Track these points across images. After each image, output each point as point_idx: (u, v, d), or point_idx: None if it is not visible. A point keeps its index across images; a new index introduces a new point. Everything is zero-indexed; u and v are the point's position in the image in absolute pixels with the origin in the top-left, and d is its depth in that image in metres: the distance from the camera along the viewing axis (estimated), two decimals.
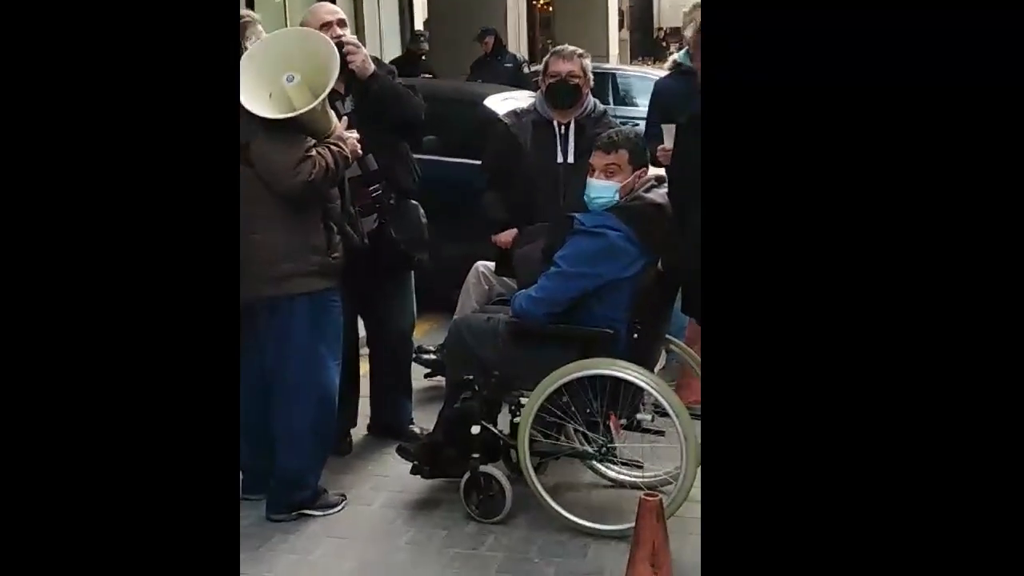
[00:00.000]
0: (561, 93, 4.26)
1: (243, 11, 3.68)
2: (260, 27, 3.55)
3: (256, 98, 3.31)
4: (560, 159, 4.28)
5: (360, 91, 3.92)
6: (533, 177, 4.25)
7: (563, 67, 4.26)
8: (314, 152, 3.39)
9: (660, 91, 5.56)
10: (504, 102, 6.52)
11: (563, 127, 4.29)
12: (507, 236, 4.27)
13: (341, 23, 3.95)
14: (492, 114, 6.29)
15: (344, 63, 3.73)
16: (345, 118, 3.67)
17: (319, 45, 3.44)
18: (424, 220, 4.18)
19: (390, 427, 4.38)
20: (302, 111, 3.34)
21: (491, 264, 4.36)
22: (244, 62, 3.34)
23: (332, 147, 3.45)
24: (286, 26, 11.05)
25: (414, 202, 4.17)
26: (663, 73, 7.37)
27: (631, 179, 3.53)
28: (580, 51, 4.40)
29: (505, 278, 4.28)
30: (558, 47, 4.47)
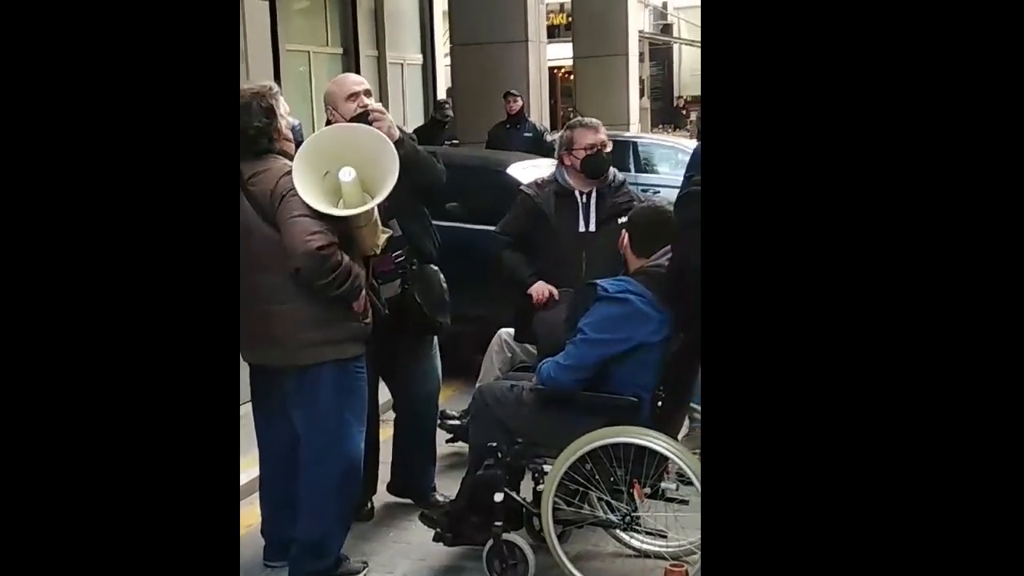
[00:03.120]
0: (598, 164, 4.34)
1: (267, 82, 3.72)
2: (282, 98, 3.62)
3: (308, 182, 3.30)
4: (582, 228, 4.34)
5: None
6: (557, 246, 4.30)
7: (594, 138, 4.34)
8: (336, 248, 3.32)
9: (699, 158, 5.63)
10: (527, 170, 6.58)
11: (584, 196, 4.35)
12: (542, 289, 4.28)
13: (367, 93, 4.00)
14: (515, 182, 6.35)
15: None
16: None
17: (386, 152, 3.42)
18: (444, 284, 4.21)
19: (412, 490, 4.37)
20: (349, 213, 3.33)
21: (513, 331, 4.37)
22: (307, 144, 3.37)
23: (359, 271, 3.43)
24: (311, 95, 11.28)
25: (434, 267, 4.20)
26: (684, 141, 7.45)
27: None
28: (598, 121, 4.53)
29: (527, 345, 4.29)
30: (583, 119, 4.53)
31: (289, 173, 3.30)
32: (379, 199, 3.37)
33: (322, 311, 3.40)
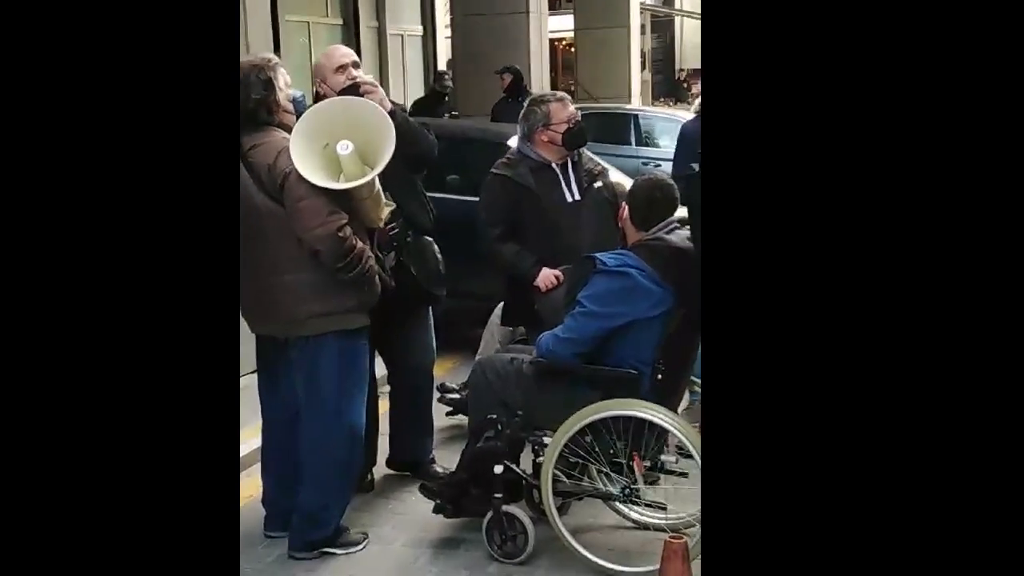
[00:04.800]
0: (580, 136, 4.31)
1: (267, 54, 3.71)
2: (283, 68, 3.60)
3: (307, 157, 3.30)
4: (569, 198, 4.28)
5: None
6: (548, 219, 4.23)
7: (570, 112, 4.29)
8: (350, 230, 3.36)
9: (686, 133, 5.62)
10: None
11: (560, 167, 4.31)
12: (548, 276, 4.20)
13: (355, 64, 3.99)
14: None
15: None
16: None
17: (382, 123, 3.42)
18: (439, 256, 4.20)
19: (410, 463, 4.38)
20: (350, 185, 3.33)
21: None
22: (297, 130, 3.36)
23: (370, 253, 3.45)
24: (311, 66, 11.21)
25: (429, 238, 4.19)
26: (685, 114, 7.45)
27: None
28: None
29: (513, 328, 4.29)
30: (555, 93, 4.47)
31: (288, 149, 3.30)
32: (378, 170, 3.37)
33: (325, 282, 3.41)
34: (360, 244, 3.39)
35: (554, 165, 4.30)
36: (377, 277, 3.53)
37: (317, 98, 4.01)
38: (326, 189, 3.31)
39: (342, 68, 3.94)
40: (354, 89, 3.84)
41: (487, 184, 4.39)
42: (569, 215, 4.24)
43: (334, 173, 3.37)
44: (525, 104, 4.44)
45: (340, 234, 3.32)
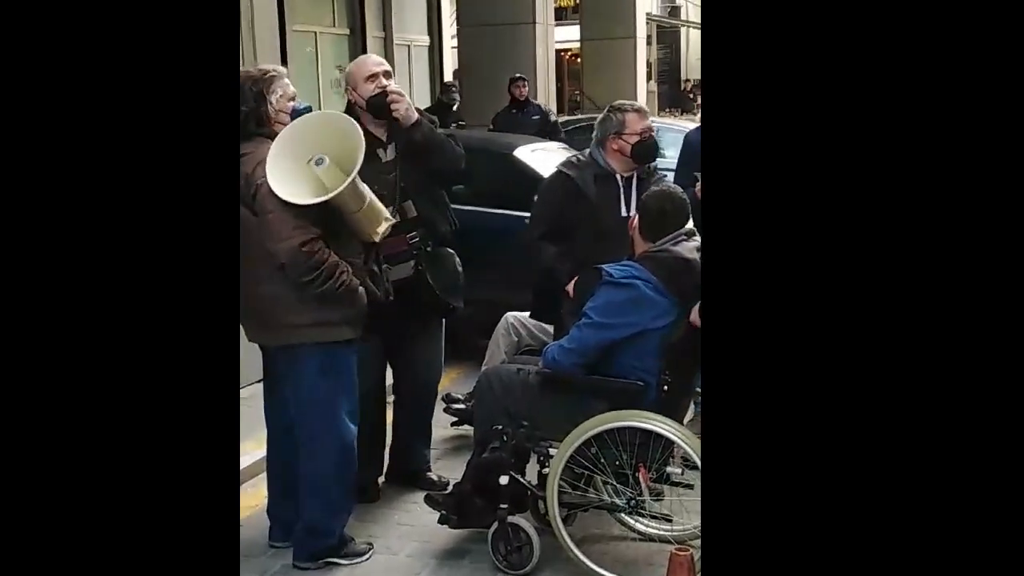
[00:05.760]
0: (650, 150, 4.25)
1: (269, 65, 3.71)
2: (287, 80, 3.58)
3: (287, 172, 3.29)
4: (624, 212, 4.22)
5: (402, 139, 3.97)
6: (600, 230, 4.13)
7: (645, 124, 4.22)
8: (320, 244, 3.32)
9: (691, 143, 5.59)
10: (534, 153, 6.55)
11: (624, 180, 4.24)
12: None
13: (387, 74, 4.00)
14: (522, 164, 6.33)
15: (388, 111, 3.84)
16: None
17: (347, 127, 3.39)
18: (459, 267, 4.19)
19: (409, 475, 4.39)
20: (333, 194, 3.29)
21: (520, 314, 4.34)
22: (275, 145, 3.34)
23: (346, 268, 3.41)
24: (317, 75, 11.25)
25: (449, 249, 4.18)
26: (691, 125, 7.45)
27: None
28: None
29: (542, 325, 4.26)
30: (633, 104, 4.35)
31: (264, 161, 3.29)
32: (348, 181, 3.30)
33: (303, 294, 3.37)
34: (332, 259, 3.33)
35: (618, 176, 4.24)
36: (359, 291, 3.47)
37: (349, 106, 4.02)
38: (295, 203, 3.28)
39: (373, 77, 3.95)
40: (381, 98, 3.86)
41: (550, 179, 4.39)
42: (617, 229, 4.16)
43: (319, 188, 3.34)
44: (604, 111, 4.38)
45: (304, 249, 3.27)
